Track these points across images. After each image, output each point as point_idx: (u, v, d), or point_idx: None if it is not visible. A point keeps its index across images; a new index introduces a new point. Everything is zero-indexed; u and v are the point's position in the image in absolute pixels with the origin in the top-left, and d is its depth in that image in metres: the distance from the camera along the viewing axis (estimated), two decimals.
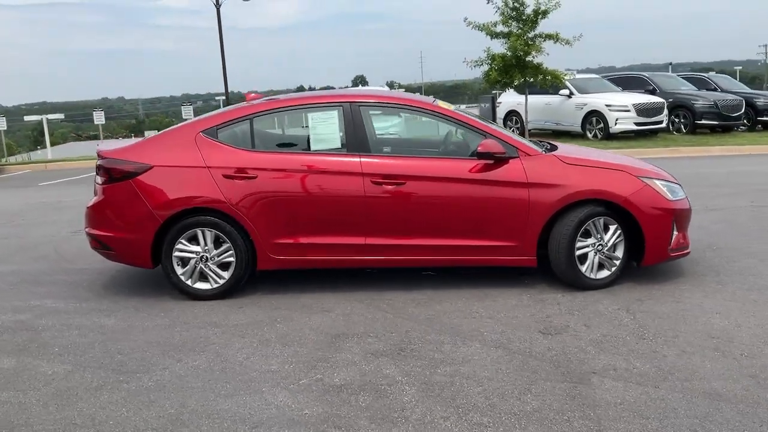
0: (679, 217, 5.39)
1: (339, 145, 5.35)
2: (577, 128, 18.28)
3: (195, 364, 4.16)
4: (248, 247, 5.31)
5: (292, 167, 5.27)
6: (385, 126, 6.71)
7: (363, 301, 5.24)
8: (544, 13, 16.86)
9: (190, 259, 5.31)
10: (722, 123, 19.06)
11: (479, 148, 5.17)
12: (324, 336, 4.57)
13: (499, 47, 17.47)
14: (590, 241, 5.27)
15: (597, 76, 21.13)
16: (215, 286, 5.35)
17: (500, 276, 5.68)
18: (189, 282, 5.35)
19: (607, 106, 17.68)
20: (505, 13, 16.93)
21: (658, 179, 5.41)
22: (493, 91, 20.14)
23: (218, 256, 5.30)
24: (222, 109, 5.78)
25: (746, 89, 22.81)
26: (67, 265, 6.70)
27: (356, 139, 5.32)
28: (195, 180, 5.26)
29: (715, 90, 20.79)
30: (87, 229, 5.55)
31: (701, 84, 21.39)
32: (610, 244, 5.29)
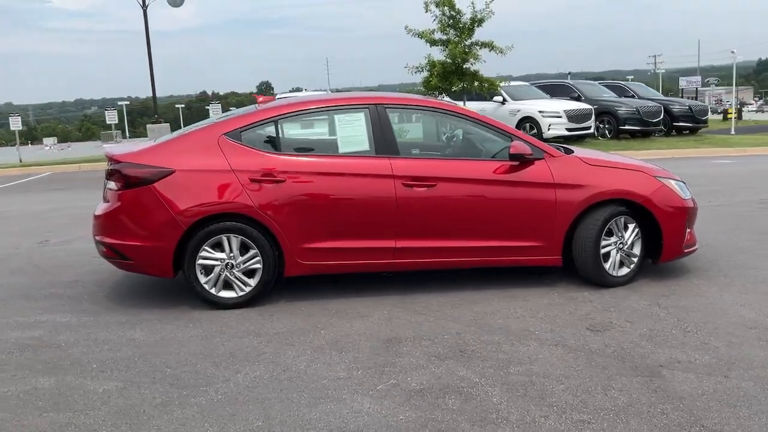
0: (690, 215, 5.63)
1: (367, 148, 5.27)
2: None
3: (257, 375, 3.98)
4: (275, 253, 5.14)
5: (322, 170, 5.15)
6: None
7: (396, 305, 5.17)
8: (480, 22, 17.25)
9: (214, 266, 5.09)
10: (643, 129, 20.09)
11: (511, 150, 5.22)
12: (376, 341, 4.47)
13: (438, 54, 17.76)
14: (612, 239, 5.41)
15: (527, 83, 21.82)
16: (241, 294, 5.15)
17: (520, 276, 5.75)
18: (213, 291, 5.12)
19: (540, 112, 18.27)
20: (443, 21, 17.20)
21: (672, 179, 5.63)
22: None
23: (244, 263, 5.11)
24: (243, 111, 5.57)
25: (660, 96, 24.14)
26: (53, 278, 6.26)
27: (384, 141, 5.26)
28: (220, 184, 5.04)
29: (632, 97, 21.86)
30: (99, 238, 5.22)
31: (619, 91, 22.46)
32: (629, 242, 5.46)
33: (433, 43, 17.43)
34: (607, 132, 19.99)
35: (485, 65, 17.77)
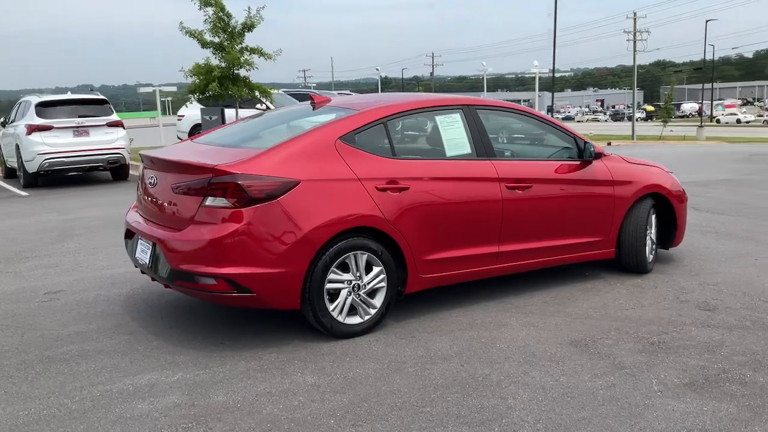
0: None
1: (469, 150, 5.03)
2: None
3: (531, 396, 3.60)
4: (399, 269, 4.64)
5: (440, 175, 4.78)
6: None
7: (509, 310, 5.04)
8: (251, 27, 16.74)
9: (340, 290, 4.40)
10: None
11: (596, 149, 5.44)
12: (561, 347, 4.32)
13: (207, 57, 16.77)
14: (649, 230, 5.95)
15: (279, 92, 21.65)
16: (366, 318, 4.53)
17: (555, 272, 5.96)
18: (340, 318, 4.42)
19: None
20: (215, 23, 16.33)
21: (672, 173, 6.37)
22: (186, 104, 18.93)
23: (368, 284, 4.51)
24: (344, 111, 4.84)
25: None
26: (45, 333, 4.68)
27: (482, 143, 5.07)
28: (349, 195, 4.38)
29: None
30: (201, 269, 4.09)
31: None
32: (653, 231, 6.06)
33: (204, 44, 16.41)
34: None
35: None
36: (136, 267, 4.96)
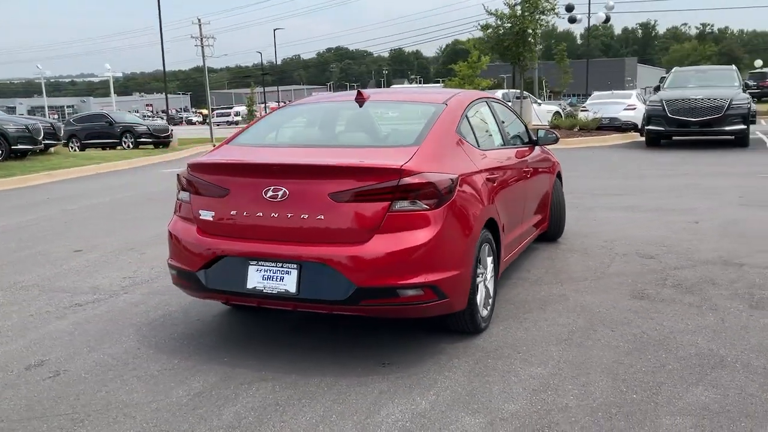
0: None
1: (501, 140, 5.36)
2: None
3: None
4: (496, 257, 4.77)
5: (505, 164, 5.08)
6: None
7: (540, 284, 5.51)
8: None
9: (478, 284, 4.38)
10: (35, 147, 18.79)
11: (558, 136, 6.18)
12: (635, 301, 5.00)
13: None
14: None
15: None
16: (489, 309, 4.57)
17: None
18: (482, 312, 4.40)
19: None
20: None
21: None
22: None
23: (488, 274, 4.56)
24: (433, 106, 4.60)
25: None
26: (155, 406, 3.52)
27: (504, 132, 5.44)
28: (481, 188, 4.38)
29: None
30: (405, 281, 3.66)
31: None
32: None
33: None
34: None
35: None
36: (229, 303, 4.10)
